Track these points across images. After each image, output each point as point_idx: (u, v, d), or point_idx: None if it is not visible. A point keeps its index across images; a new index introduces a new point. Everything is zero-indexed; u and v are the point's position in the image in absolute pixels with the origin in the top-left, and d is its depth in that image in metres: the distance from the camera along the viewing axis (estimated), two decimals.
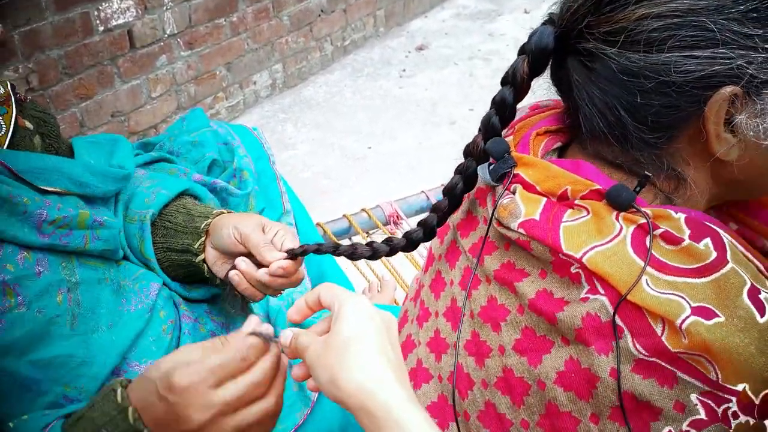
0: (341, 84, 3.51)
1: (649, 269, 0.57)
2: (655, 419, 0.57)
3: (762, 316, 0.53)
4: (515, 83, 0.69)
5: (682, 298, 0.55)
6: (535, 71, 0.69)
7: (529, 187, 0.66)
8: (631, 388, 0.57)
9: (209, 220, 0.93)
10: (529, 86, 0.70)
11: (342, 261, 1.56)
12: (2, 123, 0.81)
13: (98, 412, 0.63)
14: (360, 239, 1.80)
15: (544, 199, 0.65)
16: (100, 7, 2.52)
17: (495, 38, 3.95)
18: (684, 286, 0.55)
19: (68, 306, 0.76)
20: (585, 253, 0.59)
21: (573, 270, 0.61)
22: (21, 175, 0.76)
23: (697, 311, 0.54)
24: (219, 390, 0.61)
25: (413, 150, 2.87)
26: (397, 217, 1.80)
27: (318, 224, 1.63)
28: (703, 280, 0.55)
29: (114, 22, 2.59)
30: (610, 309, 0.58)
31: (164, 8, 2.76)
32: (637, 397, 0.57)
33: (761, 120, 0.59)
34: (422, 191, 1.84)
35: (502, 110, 0.70)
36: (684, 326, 0.54)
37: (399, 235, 1.78)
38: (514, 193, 0.66)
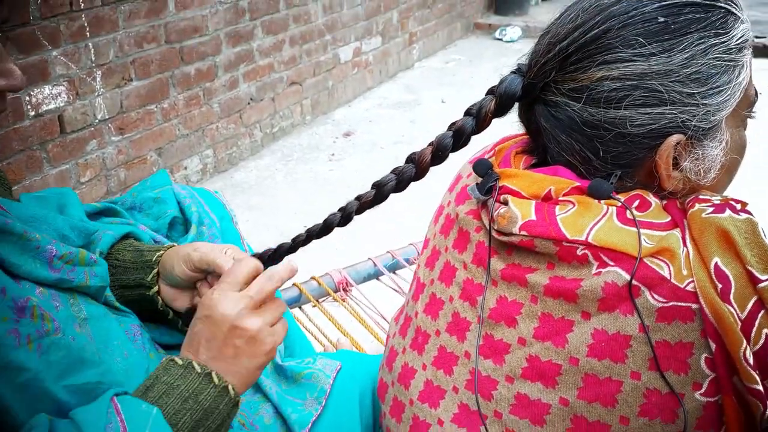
0: (272, 168, 3.56)
1: (642, 230, 0.66)
2: (689, 354, 0.63)
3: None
4: (478, 117, 0.76)
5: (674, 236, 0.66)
6: (500, 112, 0.76)
7: (516, 195, 0.73)
8: (663, 336, 0.63)
9: (161, 252, 0.96)
10: (489, 123, 0.77)
11: (304, 323, 1.57)
12: None
13: (168, 376, 0.73)
14: (309, 308, 1.81)
15: (533, 202, 0.71)
16: (32, 93, 2.51)
17: (417, 124, 4.14)
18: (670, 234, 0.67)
19: (88, 339, 0.76)
20: (588, 234, 0.67)
21: (579, 252, 0.67)
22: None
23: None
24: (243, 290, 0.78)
25: (351, 225, 2.92)
26: (347, 284, 1.83)
27: None
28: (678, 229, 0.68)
29: (45, 107, 2.57)
30: (624, 274, 0.65)
31: (96, 94, 2.77)
32: (670, 342, 0.63)
33: (701, 162, 0.69)
34: (369, 258, 1.88)
35: (458, 137, 0.77)
36: (683, 256, 0.64)
37: (350, 303, 1.82)
38: (506, 203, 0.72)
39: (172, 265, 0.92)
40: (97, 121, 2.80)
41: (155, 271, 0.95)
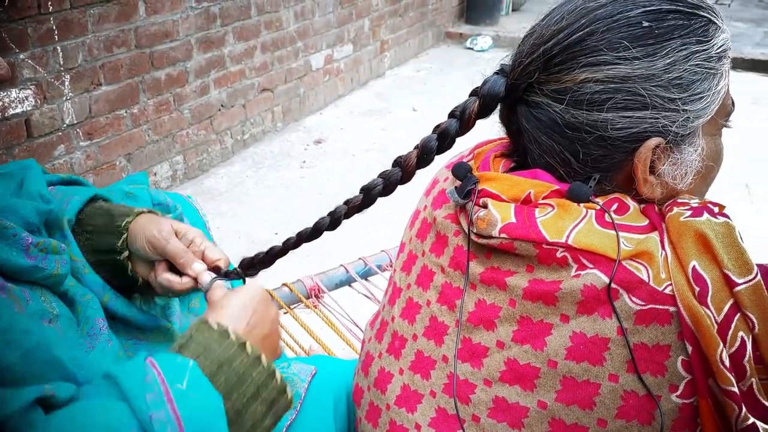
0: (243, 175, 3.55)
1: (620, 233, 0.67)
2: (666, 357, 0.64)
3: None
4: (462, 119, 0.77)
5: (653, 239, 0.67)
6: (483, 113, 0.77)
7: (495, 198, 0.73)
8: (640, 339, 0.64)
9: (130, 218, 0.97)
10: (474, 124, 0.78)
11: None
12: None
13: (204, 338, 0.74)
14: (281, 314, 1.81)
15: (513, 205, 0.72)
16: None
17: (388, 132, 4.16)
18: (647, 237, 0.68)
19: (57, 333, 0.76)
20: (568, 236, 0.67)
21: (559, 255, 0.68)
22: None
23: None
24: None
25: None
26: (319, 290, 1.83)
27: None
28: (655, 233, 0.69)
29: (11, 111, 2.53)
30: (603, 277, 0.65)
31: (64, 98, 2.73)
32: (648, 344, 0.64)
33: (678, 167, 0.71)
34: (341, 265, 1.88)
35: (443, 138, 0.77)
36: (661, 259, 0.65)
37: (322, 309, 1.82)
38: (485, 206, 0.73)
39: (135, 236, 0.94)
40: (65, 125, 2.76)
41: (124, 237, 0.95)
